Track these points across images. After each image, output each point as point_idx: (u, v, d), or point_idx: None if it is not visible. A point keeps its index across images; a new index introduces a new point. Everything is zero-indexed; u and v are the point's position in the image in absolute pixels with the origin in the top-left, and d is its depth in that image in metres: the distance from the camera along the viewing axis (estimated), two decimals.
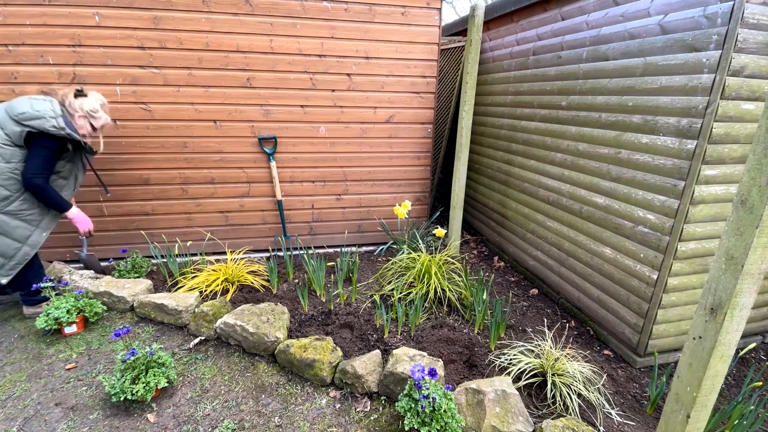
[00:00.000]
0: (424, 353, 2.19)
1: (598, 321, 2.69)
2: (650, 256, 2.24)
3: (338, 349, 2.32)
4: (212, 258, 3.44)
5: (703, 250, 2.16)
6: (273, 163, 3.46)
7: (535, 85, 3.17)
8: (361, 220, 3.90)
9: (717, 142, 1.93)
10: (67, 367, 2.31)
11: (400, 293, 2.87)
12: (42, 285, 2.53)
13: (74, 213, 2.61)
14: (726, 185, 2.04)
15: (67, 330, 2.56)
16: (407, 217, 3.95)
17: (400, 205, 3.29)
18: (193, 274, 3.03)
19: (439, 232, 3.27)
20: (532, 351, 2.31)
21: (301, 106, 3.40)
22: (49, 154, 2.34)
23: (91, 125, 2.55)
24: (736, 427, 1.79)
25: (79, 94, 2.47)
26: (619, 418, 2.00)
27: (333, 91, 3.43)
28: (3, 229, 2.35)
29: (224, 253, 3.59)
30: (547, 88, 3.02)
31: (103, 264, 3.44)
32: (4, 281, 2.42)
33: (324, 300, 2.96)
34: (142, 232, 3.46)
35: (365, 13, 3.28)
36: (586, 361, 2.29)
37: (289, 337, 2.46)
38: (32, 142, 2.29)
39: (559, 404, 2.00)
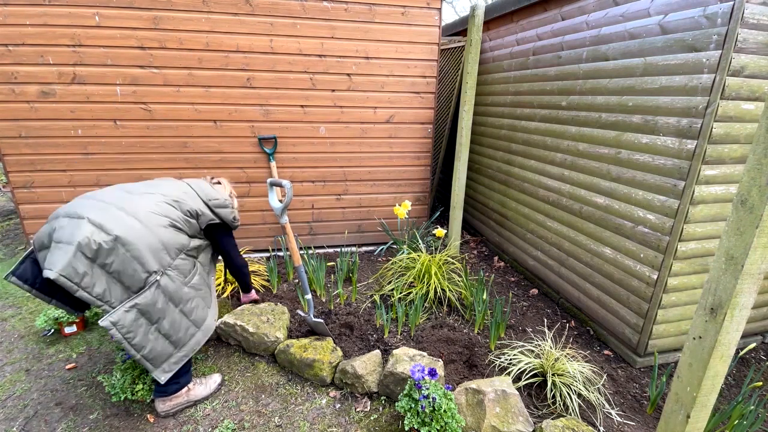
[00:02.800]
0: (424, 353, 2.19)
1: (598, 321, 2.69)
2: (650, 256, 2.24)
3: (338, 349, 2.32)
4: None
5: (703, 250, 2.16)
6: (273, 163, 3.46)
7: (535, 85, 3.17)
8: (361, 220, 3.90)
9: (717, 142, 1.93)
10: (67, 367, 2.31)
11: (400, 293, 2.87)
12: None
13: (253, 294, 2.64)
14: (726, 185, 2.04)
15: (67, 330, 2.56)
16: (407, 217, 3.95)
17: (400, 205, 3.29)
18: None
19: (439, 232, 3.27)
20: (532, 351, 2.31)
21: (301, 106, 3.40)
22: (232, 237, 2.24)
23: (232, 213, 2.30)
24: (736, 427, 1.79)
25: (214, 182, 2.30)
26: (619, 418, 2.00)
27: (333, 91, 3.43)
28: (187, 308, 1.88)
29: None
30: (547, 88, 3.02)
31: None
32: (164, 378, 1.79)
33: (324, 300, 2.96)
34: None
35: (365, 13, 3.28)
36: (586, 361, 2.29)
37: (289, 337, 2.46)
38: (214, 233, 2.10)
39: (559, 404, 2.00)
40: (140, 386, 1.96)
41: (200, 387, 2.10)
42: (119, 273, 1.65)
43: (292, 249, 2.28)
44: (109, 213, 1.68)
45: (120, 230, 1.64)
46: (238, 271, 2.38)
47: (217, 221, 2.06)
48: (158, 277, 1.73)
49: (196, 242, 1.98)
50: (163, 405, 1.97)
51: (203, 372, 2.28)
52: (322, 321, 2.36)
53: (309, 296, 2.36)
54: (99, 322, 1.63)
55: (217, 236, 2.12)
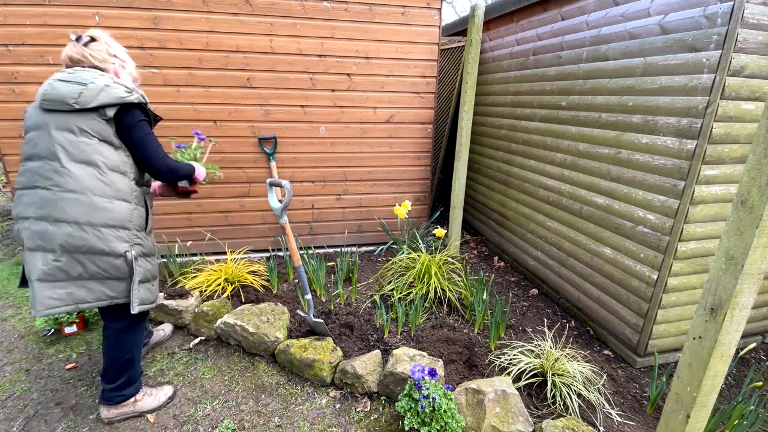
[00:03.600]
0: (424, 353, 2.19)
1: (598, 321, 2.69)
2: (650, 256, 2.24)
3: (338, 349, 2.32)
4: (212, 258, 3.44)
5: (703, 250, 2.16)
6: (273, 163, 3.46)
7: (535, 85, 3.17)
8: (361, 220, 3.90)
9: (717, 142, 1.93)
10: (67, 367, 2.31)
11: (400, 293, 2.87)
12: None
13: (197, 169, 1.98)
14: (726, 185, 2.04)
15: (67, 330, 2.56)
16: (407, 217, 3.95)
17: (400, 205, 3.29)
18: (194, 274, 3.03)
19: (439, 232, 3.27)
20: (532, 351, 2.31)
21: (301, 106, 3.40)
22: (148, 129, 1.73)
23: (129, 74, 1.85)
24: (736, 427, 1.79)
25: (84, 41, 1.67)
26: (619, 418, 2.00)
27: (333, 91, 3.43)
28: (155, 250, 1.92)
29: (224, 253, 3.59)
30: (547, 88, 3.02)
31: None
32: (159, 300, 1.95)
33: (324, 300, 2.96)
34: None
35: (365, 13, 3.28)
36: (586, 361, 2.29)
37: (289, 337, 2.46)
38: (120, 124, 1.64)
39: (559, 404, 2.00)
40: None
41: (149, 399, 2.02)
42: (99, 272, 1.65)
43: (292, 249, 2.27)
44: (32, 230, 1.57)
45: (60, 241, 1.56)
46: (167, 180, 1.85)
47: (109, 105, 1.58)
48: (131, 252, 1.70)
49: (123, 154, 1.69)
50: (107, 412, 1.92)
51: (203, 372, 2.28)
52: (322, 321, 2.36)
53: (309, 296, 2.36)
54: (132, 311, 1.72)
55: (122, 125, 1.65)
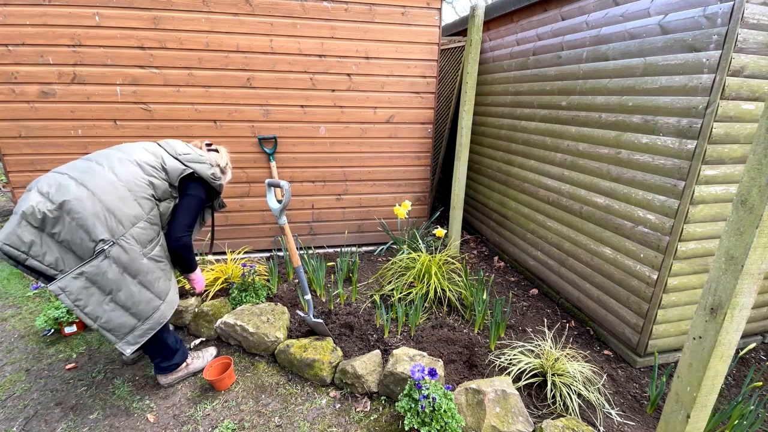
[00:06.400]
0: (424, 353, 2.19)
1: (598, 321, 2.69)
2: (650, 256, 2.24)
3: (338, 349, 2.32)
4: (212, 258, 3.44)
5: (703, 250, 2.16)
6: (273, 163, 3.46)
7: (535, 85, 3.17)
8: (361, 220, 3.90)
9: (717, 142, 1.93)
10: (67, 367, 2.31)
11: (400, 293, 2.87)
12: (42, 285, 2.51)
13: (198, 273, 2.21)
14: (726, 185, 2.04)
15: (67, 330, 2.56)
16: (407, 217, 3.95)
17: (400, 205, 3.29)
18: None
19: (439, 232, 3.27)
20: (532, 351, 2.31)
21: (301, 106, 3.40)
22: (199, 206, 2.03)
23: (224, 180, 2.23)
24: (736, 427, 1.79)
25: (210, 148, 2.22)
26: (619, 418, 2.00)
27: (333, 91, 3.42)
28: (146, 280, 1.84)
29: (224, 253, 3.59)
30: (547, 88, 3.02)
31: None
32: (129, 351, 1.82)
33: (324, 300, 2.96)
34: None
35: (365, 13, 3.28)
36: (586, 361, 2.29)
37: (289, 337, 2.46)
38: (185, 190, 1.98)
39: (559, 404, 2.00)
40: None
41: (197, 361, 2.28)
42: (69, 242, 1.66)
43: (291, 250, 2.27)
44: (58, 181, 1.69)
45: (64, 198, 1.64)
46: (173, 250, 1.99)
47: (191, 172, 1.97)
48: (106, 246, 1.69)
49: (163, 206, 1.93)
50: (165, 379, 2.16)
51: None
52: (321, 321, 2.36)
53: (308, 297, 2.36)
54: (47, 286, 1.67)
55: (185, 191, 1.99)
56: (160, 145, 2.00)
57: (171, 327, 2.23)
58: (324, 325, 2.40)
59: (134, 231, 1.79)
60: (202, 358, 2.31)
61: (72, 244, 1.67)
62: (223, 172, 2.19)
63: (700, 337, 1.41)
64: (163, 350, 2.08)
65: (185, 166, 1.96)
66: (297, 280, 3.21)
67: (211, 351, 2.39)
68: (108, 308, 1.75)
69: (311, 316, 2.37)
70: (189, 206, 1.99)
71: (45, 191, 1.66)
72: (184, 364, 2.20)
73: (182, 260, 2.04)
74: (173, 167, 1.93)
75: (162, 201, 1.93)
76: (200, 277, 2.23)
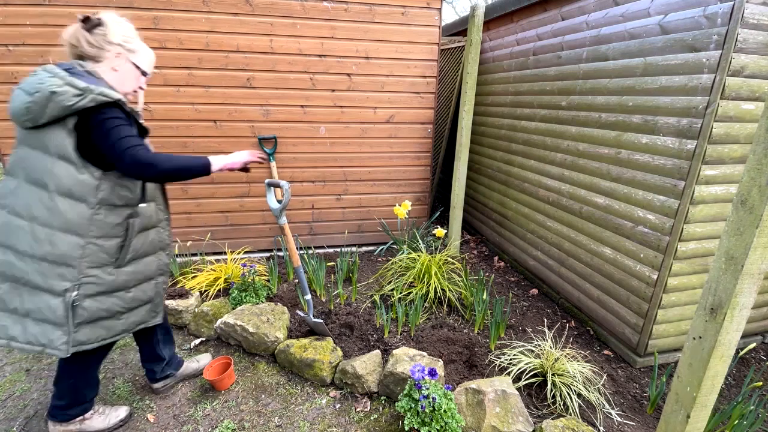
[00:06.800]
0: (424, 353, 2.19)
1: (598, 321, 2.69)
2: (650, 256, 2.24)
3: (338, 349, 2.32)
4: (212, 258, 3.44)
5: (703, 250, 2.16)
6: (273, 163, 3.46)
7: (535, 85, 3.17)
8: (361, 220, 3.90)
9: (717, 142, 1.93)
10: None
11: (400, 293, 2.87)
12: None
13: (220, 161, 1.61)
14: (726, 185, 2.04)
15: None
16: (407, 217, 3.95)
17: (400, 205, 3.29)
18: (193, 274, 3.03)
19: (439, 232, 3.27)
20: (532, 351, 2.31)
21: (301, 106, 3.40)
22: (117, 123, 1.38)
23: (131, 65, 1.54)
24: (736, 427, 1.79)
25: (89, 24, 1.43)
26: (619, 418, 2.00)
27: (333, 91, 3.43)
28: (136, 279, 1.61)
29: (224, 253, 3.59)
30: (547, 88, 3.02)
31: None
32: (159, 319, 1.78)
33: (324, 300, 2.96)
34: None
35: (365, 13, 3.28)
36: (586, 361, 2.29)
37: (289, 337, 2.46)
38: (89, 133, 1.38)
39: (559, 404, 2.00)
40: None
41: (98, 418, 1.85)
42: (36, 311, 1.44)
43: (291, 250, 2.27)
44: None
45: (3, 267, 1.42)
46: (131, 169, 1.39)
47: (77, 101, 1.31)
48: (75, 292, 1.44)
49: (96, 176, 1.41)
50: (53, 428, 1.76)
51: None
52: (321, 321, 2.36)
53: (308, 297, 2.35)
54: (59, 355, 1.47)
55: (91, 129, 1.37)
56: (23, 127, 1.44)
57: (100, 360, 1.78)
58: (324, 325, 2.39)
59: (87, 261, 1.45)
60: (104, 417, 1.88)
61: (38, 313, 1.44)
62: (108, 48, 1.45)
63: (700, 337, 1.41)
64: (69, 395, 1.73)
65: (55, 121, 1.34)
66: (297, 280, 3.21)
67: (120, 413, 1.92)
68: (123, 320, 1.61)
69: (311, 316, 2.37)
70: (112, 132, 1.37)
71: None
72: (80, 417, 1.79)
73: (166, 177, 1.45)
74: (60, 145, 1.38)
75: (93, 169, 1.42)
76: (231, 159, 1.66)
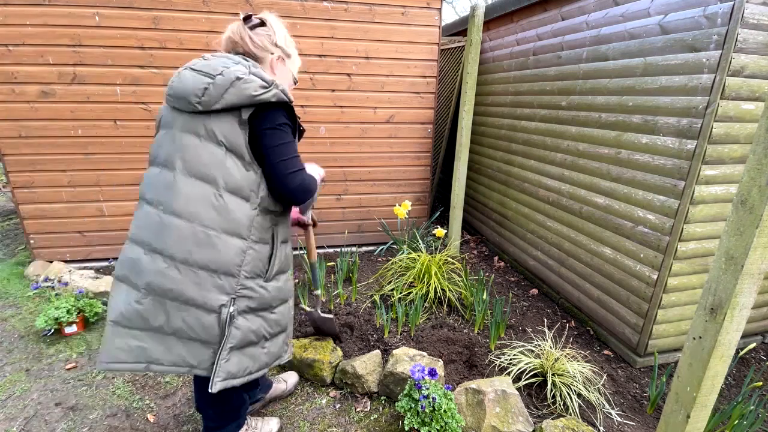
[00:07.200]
0: (424, 353, 2.19)
1: (598, 321, 2.69)
2: (650, 256, 2.24)
3: (338, 348, 2.32)
4: None
5: (703, 250, 2.16)
6: None
7: (535, 85, 3.17)
8: (361, 220, 3.90)
9: (717, 142, 1.93)
10: (67, 367, 2.31)
11: (400, 293, 2.87)
12: (42, 285, 2.51)
13: (317, 171, 1.57)
14: (726, 185, 2.04)
15: (67, 330, 2.56)
16: (407, 217, 3.95)
17: (400, 205, 3.29)
18: None
19: (439, 232, 3.27)
20: (532, 351, 2.31)
21: (301, 106, 3.40)
22: (288, 136, 1.31)
23: (288, 71, 1.48)
24: (736, 427, 1.79)
25: (251, 23, 1.39)
26: (619, 418, 2.00)
27: (333, 91, 3.43)
28: (278, 298, 1.44)
29: None
30: (547, 88, 3.02)
31: (103, 264, 3.44)
32: (288, 356, 1.55)
33: (324, 300, 2.96)
34: None
35: (365, 13, 3.28)
36: (586, 361, 2.29)
37: None
38: (254, 129, 1.26)
39: (559, 404, 2.00)
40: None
41: None
42: (184, 330, 1.26)
43: (310, 246, 2.09)
44: (133, 259, 1.27)
45: (148, 279, 1.23)
46: (291, 194, 1.31)
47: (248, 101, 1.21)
48: (231, 308, 1.27)
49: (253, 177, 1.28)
50: None
51: None
52: (331, 317, 2.26)
53: (319, 291, 2.24)
54: (211, 390, 1.27)
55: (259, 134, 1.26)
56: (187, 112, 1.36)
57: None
58: (333, 321, 2.27)
59: (246, 269, 1.30)
60: (258, 431, 1.79)
61: (189, 330, 1.26)
62: (272, 50, 1.39)
63: (700, 337, 1.41)
64: (219, 418, 1.60)
65: (230, 109, 1.24)
66: (297, 280, 3.21)
67: (272, 426, 1.86)
68: (265, 351, 1.42)
69: (318, 310, 2.26)
70: (283, 146, 1.28)
71: (121, 276, 1.29)
72: None
73: (308, 200, 1.38)
74: (229, 134, 1.28)
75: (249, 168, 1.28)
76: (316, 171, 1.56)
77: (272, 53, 1.38)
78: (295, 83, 1.52)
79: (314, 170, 1.52)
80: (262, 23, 1.37)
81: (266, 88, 1.22)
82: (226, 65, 1.23)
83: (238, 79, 1.19)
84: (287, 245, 1.49)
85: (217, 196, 1.23)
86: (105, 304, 2.81)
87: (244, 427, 1.71)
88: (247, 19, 1.36)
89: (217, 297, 1.25)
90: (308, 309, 2.33)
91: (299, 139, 1.41)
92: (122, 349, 1.25)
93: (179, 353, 1.27)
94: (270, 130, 1.25)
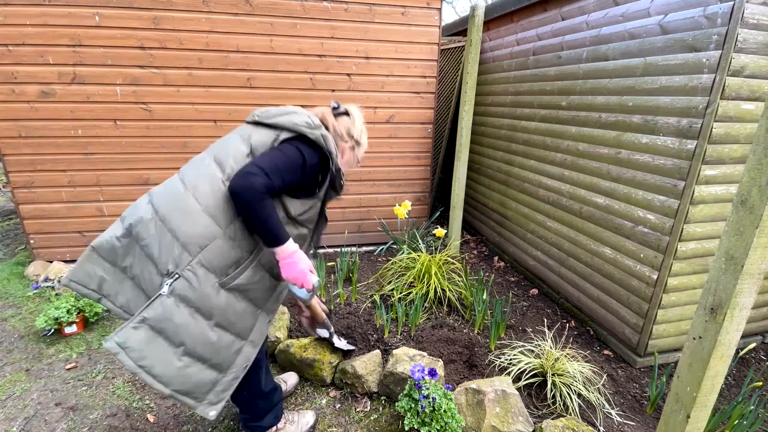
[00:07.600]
0: (424, 353, 2.19)
1: (598, 321, 2.69)
2: (650, 256, 2.24)
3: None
4: None
5: (703, 250, 2.16)
6: None
7: (535, 85, 3.17)
8: (361, 220, 3.90)
9: (717, 142, 1.93)
10: (67, 367, 2.31)
11: (400, 293, 2.87)
12: (42, 285, 2.50)
13: (292, 252, 1.33)
14: (726, 185, 2.04)
15: (67, 330, 2.56)
16: (407, 217, 3.95)
17: (400, 205, 3.29)
18: None
19: (439, 232, 3.27)
20: (532, 351, 2.31)
21: (302, 106, 3.39)
22: (293, 157, 1.33)
23: (355, 156, 1.65)
24: (736, 427, 1.79)
25: (337, 111, 1.56)
26: (619, 418, 2.00)
27: (333, 91, 3.43)
28: (225, 319, 1.34)
29: None
30: (547, 88, 3.02)
31: None
32: (213, 414, 1.36)
33: (324, 300, 2.96)
34: None
35: (365, 13, 3.28)
36: (586, 361, 2.29)
37: (289, 336, 2.46)
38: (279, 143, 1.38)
39: (559, 404, 2.00)
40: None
41: (290, 427, 1.79)
42: (140, 279, 1.30)
43: (317, 315, 2.14)
44: (137, 203, 1.37)
45: (131, 221, 1.31)
46: (236, 183, 1.25)
47: (289, 137, 1.36)
48: (169, 282, 1.26)
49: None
50: None
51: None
52: (354, 348, 2.33)
53: (332, 329, 2.25)
54: (103, 344, 1.28)
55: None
56: (248, 122, 1.52)
57: (266, 369, 1.65)
58: (355, 343, 2.24)
59: (205, 255, 1.28)
60: (296, 425, 1.82)
61: (143, 282, 1.30)
62: (347, 140, 1.54)
63: (700, 337, 1.41)
64: (250, 407, 1.64)
65: (274, 128, 1.39)
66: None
67: (308, 419, 1.90)
68: (180, 364, 1.29)
69: (336, 336, 2.22)
70: (274, 152, 1.33)
71: (123, 215, 1.36)
72: (274, 428, 1.71)
73: (251, 216, 1.26)
74: (259, 142, 1.37)
75: None
76: (301, 263, 1.35)
77: (347, 141, 1.57)
78: (357, 164, 1.71)
79: (300, 258, 1.36)
80: (347, 114, 1.57)
81: (311, 127, 1.38)
82: (296, 111, 1.46)
83: (294, 112, 1.43)
84: (277, 284, 1.48)
85: (222, 181, 1.32)
86: None
87: (283, 419, 1.79)
88: (336, 108, 1.56)
89: (167, 264, 1.27)
90: (324, 334, 2.21)
91: (338, 194, 1.54)
92: (88, 274, 1.33)
93: (129, 298, 1.33)
94: (285, 144, 1.36)
